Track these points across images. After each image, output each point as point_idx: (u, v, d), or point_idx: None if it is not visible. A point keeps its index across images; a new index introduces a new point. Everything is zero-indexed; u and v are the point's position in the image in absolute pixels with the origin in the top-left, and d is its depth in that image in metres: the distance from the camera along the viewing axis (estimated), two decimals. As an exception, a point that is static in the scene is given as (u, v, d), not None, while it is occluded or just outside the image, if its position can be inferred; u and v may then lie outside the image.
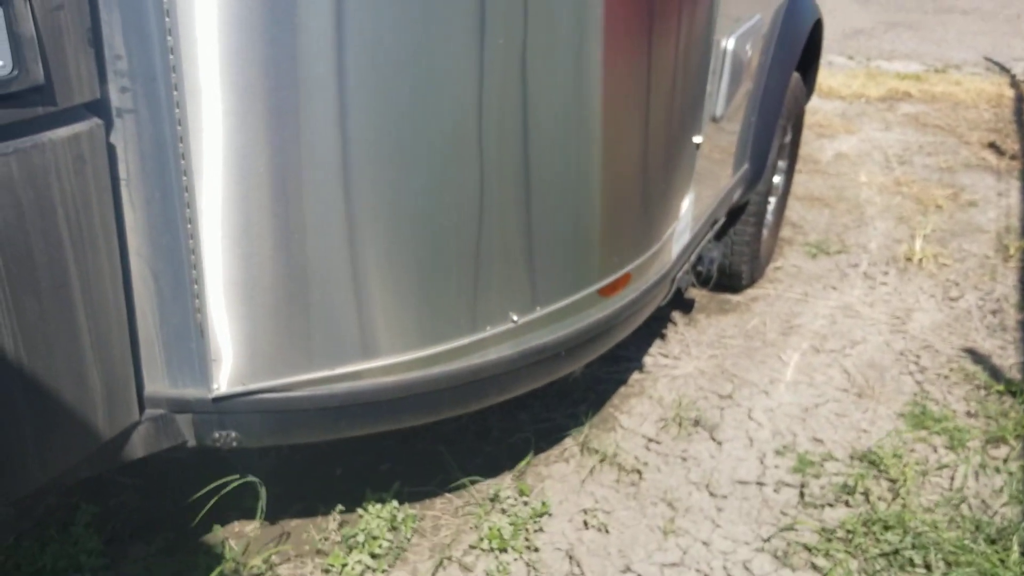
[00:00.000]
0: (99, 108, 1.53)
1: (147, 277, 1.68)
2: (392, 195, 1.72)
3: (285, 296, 1.71)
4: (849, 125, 5.73)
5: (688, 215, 2.42)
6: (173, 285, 1.67)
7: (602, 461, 2.58)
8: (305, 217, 1.66)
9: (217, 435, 1.80)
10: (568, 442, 2.67)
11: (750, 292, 3.63)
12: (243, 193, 1.62)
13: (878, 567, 2.20)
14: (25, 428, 1.49)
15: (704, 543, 2.30)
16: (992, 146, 5.44)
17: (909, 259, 3.96)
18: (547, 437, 2.69)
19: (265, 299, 1.70)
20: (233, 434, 1.81)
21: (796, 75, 3.36)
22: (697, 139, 2.34)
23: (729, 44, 2.42)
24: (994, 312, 3.52)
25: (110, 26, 1.50)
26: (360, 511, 2.34)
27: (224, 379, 1.74)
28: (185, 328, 1.70)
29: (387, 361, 1.84)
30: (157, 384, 1.75)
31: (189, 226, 1.62)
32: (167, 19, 1.47)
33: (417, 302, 1.83)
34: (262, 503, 2.17)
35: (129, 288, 1.66)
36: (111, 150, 1.56)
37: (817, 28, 3.56)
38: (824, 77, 6.47)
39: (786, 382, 3.02)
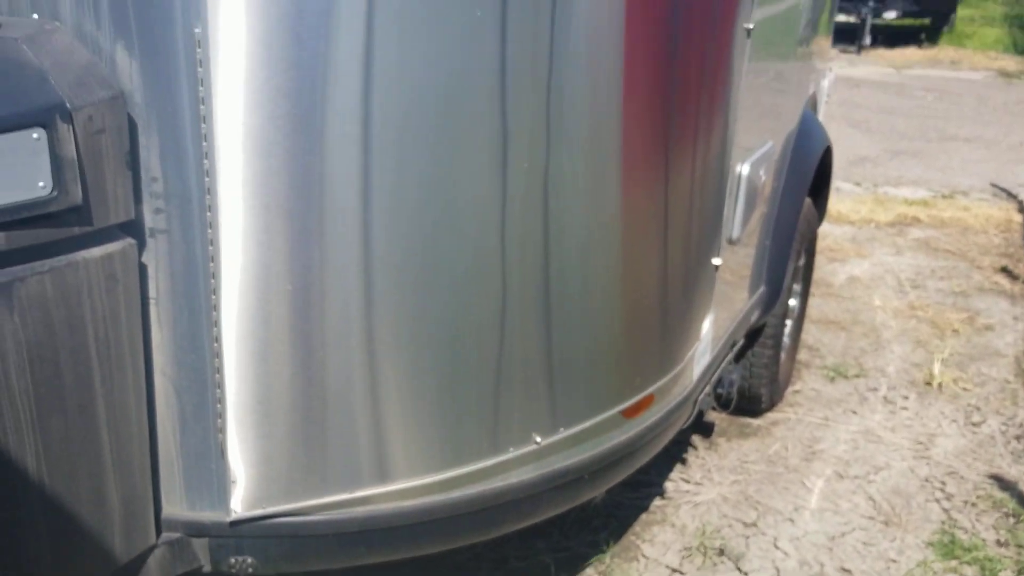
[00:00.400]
0: (133, 228, 1.56)
1: (171, 396, 1.67)
2: (414, 317, 1.72)
3: (303, 417, 1.70)
4: (860, 249, 5.78)
5: (708, 336, 2.42)
6: (196, 404, 1.66)
7: (624, 591, 2.50)
8: (326, 337, 1.66)
9: (233, 560, 1.76)
10: (589, 572, 2.59)
11: (770, 416, 3.59)
12: (268, 312, 1.63)
13: None
14: (43, 550, 1.46)
15: None
16: (1004, 271, 5.46)
17: (929, 383, 3.93)
18: (567, 567, 2.61)
19: (283, 420, 1.69)
20: (249, 560, 1.76)
21: (808, 200, 3.42)
22: (716, 261, 2.36)
23: (744, 169, 2.46)
24: (1018, 437, 3.46)
25: (148, 149, 1.54)
26: (374, 642, 2.25)
27: (241, 502, 1.71)
28: (206, 449, 1.68)
29: (406, 485, 1.81)
30: (175, 506, 1.72)
31: (215, 345, 1.63)
32: (204, 143, 1.51)
33: (438, 424, 1.81)
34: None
35: (152, 408, 1.65)
36: (142, 269, 1.58)
37: (827, 155, 3.64)
38: (833, 202, 6.56)
39: (811, 509, 2.94)
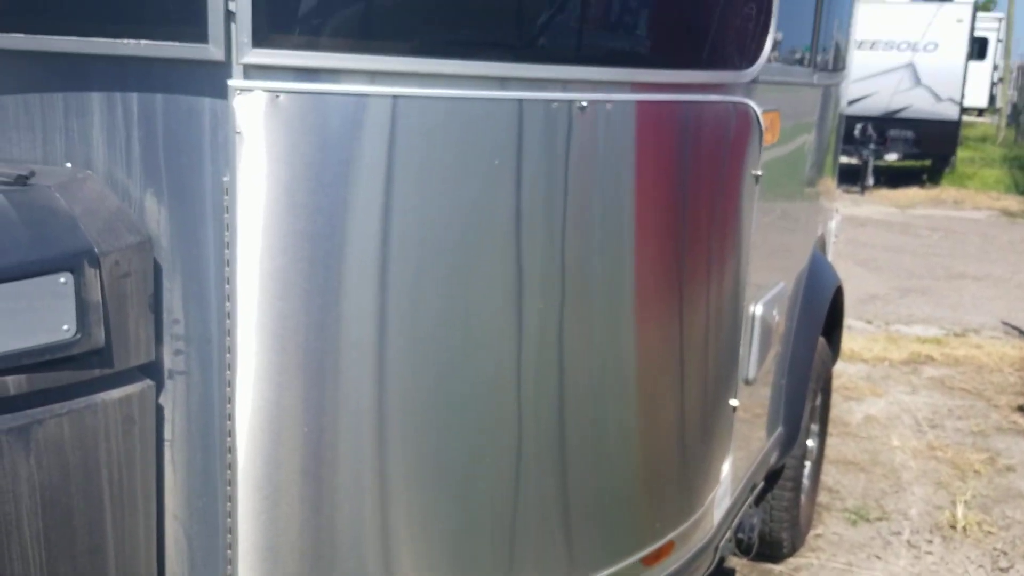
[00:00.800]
0: (152, 369, 1.57)
1: (180, 540, 1.64)
2: (427, 461, 1.70)
3: (313, 564, 1.66)
4: (875, 388, 5.74)
5: (728, 479, 2.38)
6: (207, 549, 1.63)
7: None
8: (338, 481, 1.64)
9: None
10: None
11: (792, 561, 3.48)
12: (281, 455, 1.61)
13: None
14: None
15: None
16: (1022, 409, 5.40)
17: (952, 527, 3.82)
18: None
19: (294, 566, 1.65)
20: None
21: (822, 339, 3.42)
22: (733, 402, 2.35)
23: (757, 310, 2.48)
24: (1051, 585, 3.34)
25: (171, 292, 1.56)
26: None
27: (248, 653, 1.65)
28: (214, 596, 1.64)
29: (418, 635, 1.75)
30: (179, 657, 1.66)
31: (228, 488, 1.60)
32: (227, 286, 1.53)
33: (451, 572, 1.76)
34: None
35: (162, 551, 1.62)
36: (159, 411, 1.58)
37: (838, 294, 3.67)
38: (845, 341, 6.55)
39: (838, 661, 2.82)
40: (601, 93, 1.74)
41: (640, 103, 1.83)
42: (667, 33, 1.92)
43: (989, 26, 20.96)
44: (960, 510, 3.91)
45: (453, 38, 1.66)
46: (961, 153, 18.16)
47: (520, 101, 1.66)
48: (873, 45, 14.84)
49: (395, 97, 1.55)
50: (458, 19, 1.66)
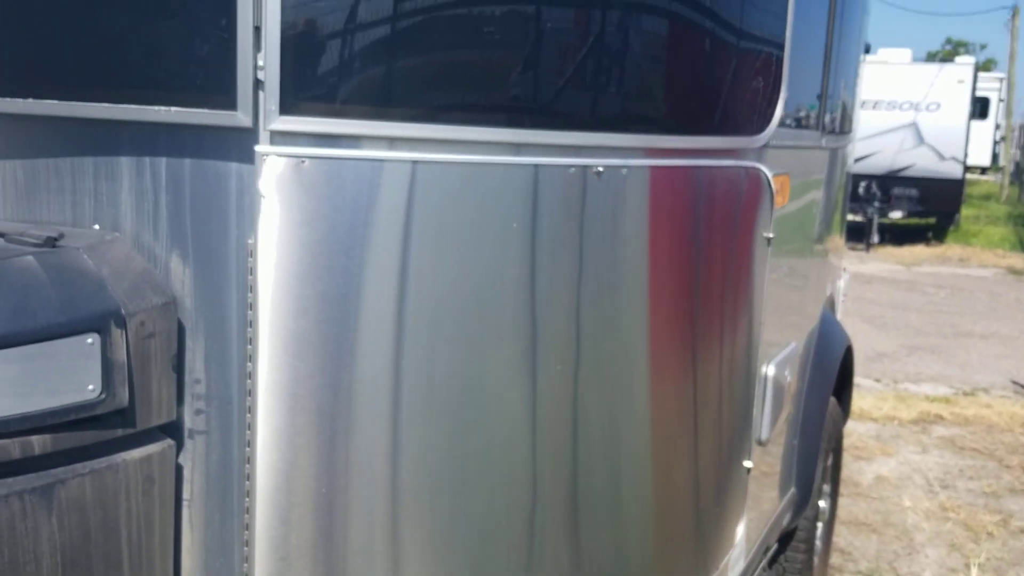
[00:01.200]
0: (172, 429, 1.58)
1: (197, 602, 1.63)
2: (440, 522, 1.71)
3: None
4: (885, 447, 5.71)
5: (743, 541, 2.37)
6: (223, 611, 1.62)
7: None
8: (350, 544, 1.64)
9: None
10: None
11: (804, 624, 3.43)
12: (297, 516, 1.62)
13: None
14: None
15: None
16: (1034, 470, 5.36)
17: (968, 590, 3.78)
18: None
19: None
20: None
21: (832, 399, 3.42)
22: (747, 463, 2.34)
23: (770, 370, 2.49)
24: (1069, 651, 3.28)
25: (193, 352, 1.58)
26: None
27: None
28: (228, 659, 1.63)
29: None
30: None
31: (245, 549, 1.61)
32: (249, 346, 1.55)
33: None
34: None
35: (178, 614, 1.62)
36: (178, 470, 1.59)
37: (848, 354, 3.67)
38: (854, 399, 6.54)
39: None
40: (616, 159, 1.78)
41: (654, 168, 1.87)
42: (681, 100, 1.96)
43: (990, 86, 21.23)
44: (974, 573, 3.87)
45: (470, 105, 1.70)
46: (965, 211, 18.24)
47: (536, 166, 1.70)
48: (876, 105, 15.02)
49: (414, 162, 1.58)
50: (476, 86, 1.71)
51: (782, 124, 2.23)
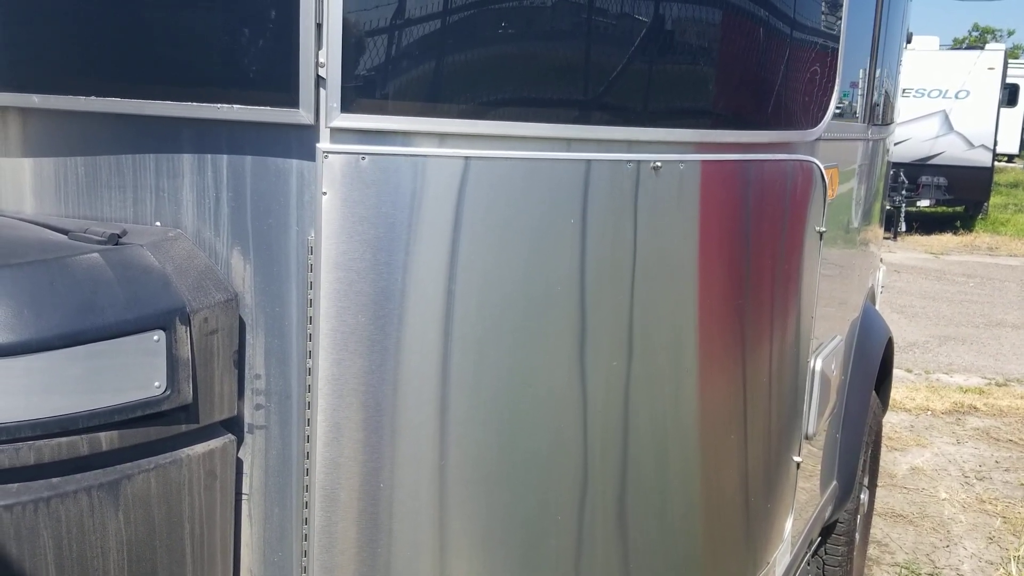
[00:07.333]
0: (233, 424, 1.59)
1: (256, 596, 1.64)
2: (494, 517, 1.71)
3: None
4: (919, 439, 5.67)
5: (790, 536, 2.36)
6: (282, 605, 1.63)
7: None
8: (408, 536, 1.64)
9: None
10: None
11: (844, 617, 3.42)
12: (357, 509, 1.62)
13: None
14: None
15: None
16: (1071, 462, 5.30)
17: (1008, 584, 3.75)
18: None
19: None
20: None
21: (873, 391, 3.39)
22: (797, 458, 2.33)
23: (818, 364, 2.47)
24: (1113, 646, 3.25)
25: (254, 348, 1.59)
26: None
27: None
28: (287, 652, 1.64)
29: None
30: None
31: (304, 543, 1.61)
32: (309, 343, 1.55)
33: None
34: None
35: (238, 608, 1.63)
36: (239, 465, 1.60)
37: (889, 346, 3.64)
38: (886, 390, 6.48)
39: None
40: (672, 154, 1.76)
41: (709, 162, 1.85)
42: (737, 94, 1.94)
43: (1020, 73, 20.93)
44: (1014, 567, 3.83)
45: (526, 100, 1.69)
46: (994, 199, 18.03)
47: (590, 161, 1.68)
48: (904, 92, 14.84)
49: (466, 158, 1.58)
50: (531, 83, 1.70)
51: (834, 117, 2.20)
